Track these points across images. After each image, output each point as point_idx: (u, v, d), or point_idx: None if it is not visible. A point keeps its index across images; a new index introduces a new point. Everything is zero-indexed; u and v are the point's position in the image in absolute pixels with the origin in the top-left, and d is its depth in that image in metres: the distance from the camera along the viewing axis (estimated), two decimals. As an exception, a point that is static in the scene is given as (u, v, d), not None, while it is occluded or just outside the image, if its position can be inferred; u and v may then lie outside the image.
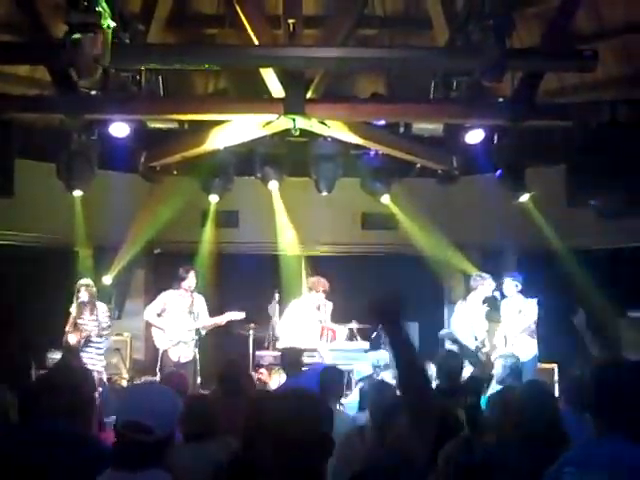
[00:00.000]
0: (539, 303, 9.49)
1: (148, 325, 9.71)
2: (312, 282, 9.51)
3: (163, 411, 2.77)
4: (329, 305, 9.51)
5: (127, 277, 11.33)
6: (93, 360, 9.11)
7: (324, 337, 9.35)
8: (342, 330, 9.44)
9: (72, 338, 9.13)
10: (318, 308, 9.40)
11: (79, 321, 9.26)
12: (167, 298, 9.49)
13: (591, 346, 8.15)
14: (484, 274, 9.92)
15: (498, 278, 10.02)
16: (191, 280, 9.39)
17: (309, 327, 9.23)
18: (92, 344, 9.30)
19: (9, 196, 8.39)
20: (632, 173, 7.77)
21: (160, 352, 9.34)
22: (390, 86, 10.59)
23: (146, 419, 2.68)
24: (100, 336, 9.32)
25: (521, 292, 9.64)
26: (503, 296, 9.86)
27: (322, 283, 9.42)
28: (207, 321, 9.39)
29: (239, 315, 9.48)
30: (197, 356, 9.31)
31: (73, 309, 9.30)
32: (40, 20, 7.77)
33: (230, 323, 9.71)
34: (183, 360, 9.26)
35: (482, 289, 9.74)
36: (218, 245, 11.31)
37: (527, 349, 9.36)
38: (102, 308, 9.44)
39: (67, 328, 9.27)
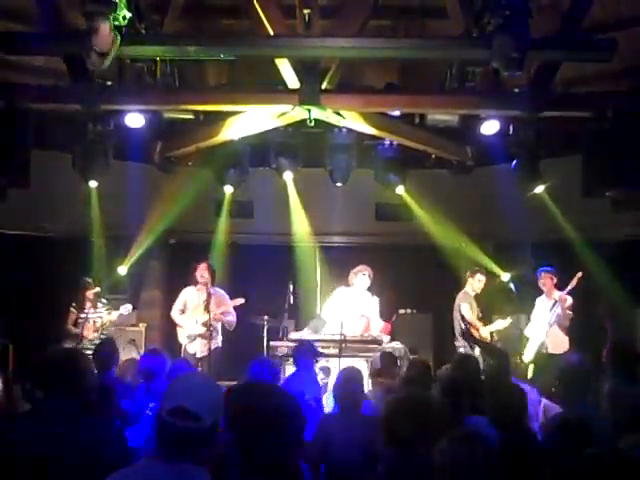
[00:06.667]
0: None
1: (170, 320, 9.77)
2: (354, 270, 9.58)
3: (210, 399, 2.68)
4: (375, 299, 9.50)
5: (142, 267, 11.36)
6: None
7: (357, 325, 9.27)
8: (378, 324, 9.40)
9: (86, 334, 9.32)
10: (360, 298, 9.39)
11: (83, 315, 9.42)
12: (187, 295, 9.59)
13: None
14: (478, 268, 10.14)
15: (512, 269, 10.03)
16: (201, 272, 9.40)
17: (347, 316, 9.20)
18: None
19: (25, 186, 8.44)
20: (648, 164, 7.73)
21: (182, 347, 9.43)
22: (405, 77, 10.54)
23: (194, 406, 2.58)
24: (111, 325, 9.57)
25: (556, 286, 9.64)
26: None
27: (367, 269, 9.47)
28: (213, 313, 9.35)
29: (239, 301, 9.59)
30: (213, 352, 9.31)
31: (75, 307, 9.48)
32: (56, 10, 7.78)
33: (244, 314, 9.76)
34: (199, 355, 9.33)
35: (471, 280, 9.90)
36: (233, 235, 11.33)
37: (559, 344, 9.40)
38: (102, 303, 9.74)
39: (69, 326, 9.40)
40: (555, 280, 9.66)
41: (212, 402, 2.69)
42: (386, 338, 9.22)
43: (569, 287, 9.41)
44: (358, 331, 9.19)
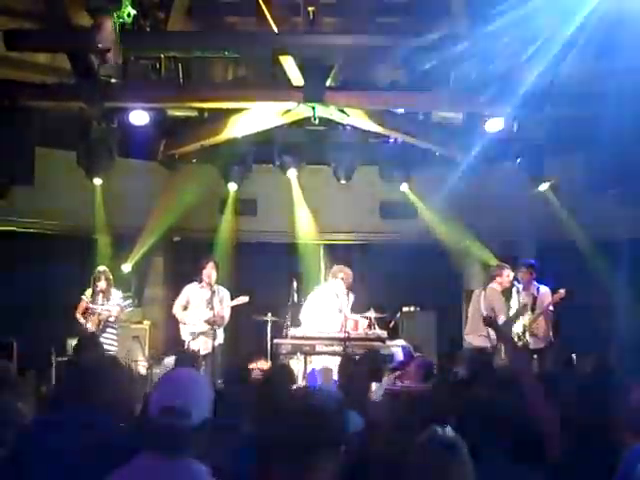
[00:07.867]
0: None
1: (173, 318, 9.73)
2: (334, 270, 9.43)
3: (200, 397, 2.72)
4: (350, 297, 9.38)
5: (146, 265, 11.36)
6: (111, 345, 9.22)
7: (345, 327, 9.16)
8: (363, 321, 9.31)
9: (90, 326, 9.24)
10: (337, 296, 9.28)
11: (92, 306, 9.35)
12: (190, 291, 9.54)
13: None
14: (504, 264, 9.90)
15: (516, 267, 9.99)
16: (209, 271, 9.36)
17: (328, 314, 9.15)
18: (110, 329, 9.42)
19: (29, 183, 8.46)
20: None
21: (186, 344, 9.40)
22: (410, 74, 10.53)
23: (184, 404, 2.63)
24: (116, 321, 9.48)
25: (535, 279, 9.59)
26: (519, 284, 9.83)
27: (343, 270, 9.32)
28: (217, 312, 9.30)
29: (243, 299, 9.51)
30: (217, 349, 9.29)
31: (87, 295, 9.40)
32: (60, 7, 7.79)
33: (248, 311, 9.75)
34: (203, 352, 9.30)
35: (500, 279, 9.71)
36: (236, 233, 11.32)
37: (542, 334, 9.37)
38: (117, 294, 9.52)
39: (78, 314, 9.35)
40: (534, 274, 9.61)
41: (201, 399, 2.72)
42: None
43: (552, 302, 9.33)
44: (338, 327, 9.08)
